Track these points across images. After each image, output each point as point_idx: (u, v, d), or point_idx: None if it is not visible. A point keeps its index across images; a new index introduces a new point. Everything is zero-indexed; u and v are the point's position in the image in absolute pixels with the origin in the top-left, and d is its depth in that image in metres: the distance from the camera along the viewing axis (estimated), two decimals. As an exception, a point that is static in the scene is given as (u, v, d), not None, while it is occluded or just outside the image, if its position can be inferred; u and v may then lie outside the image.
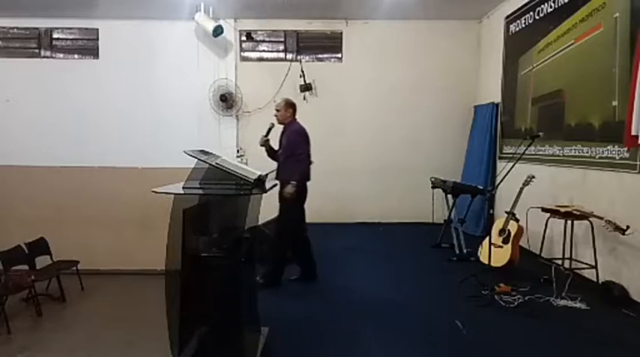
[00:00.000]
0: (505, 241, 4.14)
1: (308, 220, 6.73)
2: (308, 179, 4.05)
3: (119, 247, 5.58)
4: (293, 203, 3.91)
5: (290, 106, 4.11)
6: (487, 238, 3.99)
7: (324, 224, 6.52)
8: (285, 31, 6.90)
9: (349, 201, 6.82)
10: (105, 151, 6.62)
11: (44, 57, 6.85)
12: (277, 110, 4.09)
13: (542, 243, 4.20)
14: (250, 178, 2.29)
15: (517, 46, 5.62)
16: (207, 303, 2.48)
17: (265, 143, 4.03)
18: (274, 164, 4.04)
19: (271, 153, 4.12)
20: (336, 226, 6.46)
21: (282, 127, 4.13)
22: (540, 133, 4.02)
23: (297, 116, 4.16)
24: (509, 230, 4.15)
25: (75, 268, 4.82)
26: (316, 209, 6.69)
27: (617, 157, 3.74)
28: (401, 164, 6.80)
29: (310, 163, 4.07)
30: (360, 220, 6.73)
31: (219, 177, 2.34)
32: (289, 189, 3.81)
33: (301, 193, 3.97)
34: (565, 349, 2.85)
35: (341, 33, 6.87)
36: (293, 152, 3.93)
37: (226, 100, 6.69)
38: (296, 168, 3.90)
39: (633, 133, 3.40)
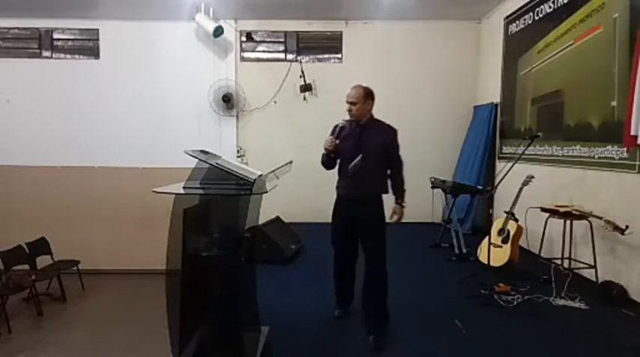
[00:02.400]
0: (504, 241, 4.15)
1: (310, 220, 6.75)
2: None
3: (120, 247, 5.59)
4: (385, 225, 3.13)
5: (370, 96, 3.15)
6: (486, 238, 4.00)
7: (325, 224, 6.53)
8: (285, 31, 6.90)
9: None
10: (105, 151, 6.63)
11: (45, 57, 6.85)
12: (352, 103, 3.09)
13: (542, 243, 4.21)
14: (250, 178, 2.30)
15: (516, 46, 5.63)
16: (207, 303, 2.49)
17: (336, 148, 3.10)
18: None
19: (332, 159, 3.22)
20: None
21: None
22: (540, 133, 4.03)
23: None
24: (508, 230, 4.16)
25: (75, 267, 4.83)
26: (317, 209, 6.74)
27: (617, 157, 3.75)
28: (401, 164, 6.80)
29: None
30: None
31: (219, 177, 2.35)
32: (400, 212, 3.16)
33: None
34: (564, 348, 2.86)
35: (341, 33, 6.88)
36: (397, 160, 3.25)
37: (229, 101, 6.70)
38: (402, 181, 3.21)
39: (632, 133, 3.41)
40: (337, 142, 3.07)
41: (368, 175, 3.04)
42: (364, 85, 3.18)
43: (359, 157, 3.03)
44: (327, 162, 3.23)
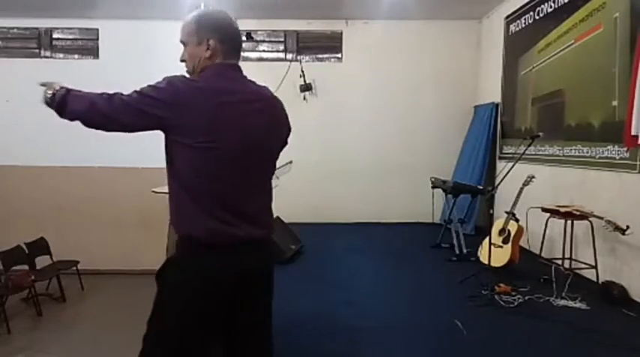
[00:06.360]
0: (505, 241, 4.14)
1: (310, 220, 6.74)
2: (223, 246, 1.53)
3: (119, 247, 5.58)
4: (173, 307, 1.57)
5: (203, 29, 1.67)
6: (487, 238, 3.99)
7: (324, 224, 6.53)
8: (285, 31, 6.90)
9: (349, 201, 6.82)
10: (105, 151, 6.61)
11: (44, 57, 6.85)
12: (182, 43, 1.77)
13: (542, 243, 4.20)
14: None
15: (517, 45, 5.63)
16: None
17: None
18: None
19: None
20: (336, 226, 6.46)
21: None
22: (540, 133, 4.02)
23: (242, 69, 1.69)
24: (509, 230, 4.15)
25: (75, 268, 4.83)
26: (316, 209, 6.75)
27: (617, 157, 3.74)
28: (401, 164, 6.80)
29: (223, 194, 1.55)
30: (360, 220, 6.73)
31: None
32: None
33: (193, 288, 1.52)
34: (565, 349, 2.85)
35: (341, 33, 6.87)
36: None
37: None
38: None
39: (633, 133, 3.40)
40: None
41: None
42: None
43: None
44: None
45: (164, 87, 1.57)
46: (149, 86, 1.60)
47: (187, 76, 1.70)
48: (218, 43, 1.62)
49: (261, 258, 1.61)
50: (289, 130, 1.80)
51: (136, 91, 1.60)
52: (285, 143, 1.80)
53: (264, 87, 1.70)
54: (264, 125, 1.61)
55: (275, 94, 1.74)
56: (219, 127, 1.50)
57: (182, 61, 1.76)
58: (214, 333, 1.58)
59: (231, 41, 1.64)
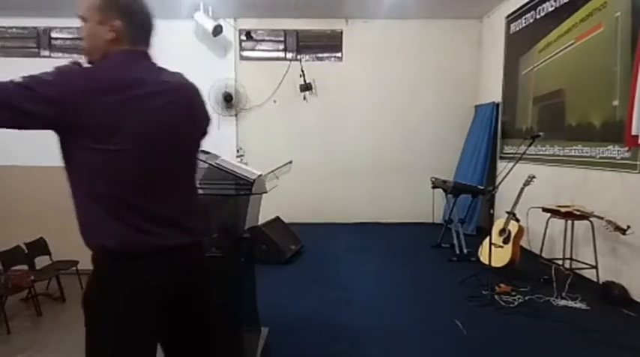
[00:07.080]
0: (505, 241, 4.13)
1: (310, 220, 6.75)
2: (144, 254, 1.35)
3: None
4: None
5: (110, 6, 1.37)
6: (487, 238, 3.98)
7: (324, 224, 6.53)
8: (284, 30, 6.89)
9: (349, 201, 6.82)
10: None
11: (43, 56, 6.84)
12: (82, 18, 1.43)
13: (543, 243, 4.20)
14: (250, 178, 2.29)
15: (518, 45, 5.62)
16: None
17: None
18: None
19: None
20: (336, 226, 6.46)
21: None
22: (541, 133, 4.02)
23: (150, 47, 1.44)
24: (509, 230, 4.14)
25: (74, 268, 4.81)
26: (316, 209, 6.75)
27: (618, 157, 3.73)
28: (401, 164, 6.79)
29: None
30: (360, 220, 6.73)
31: (218, 177, 2.34)
32: None
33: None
34: (565, 349, 2.85)
35: (341, 32, 6.86)
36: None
37: (231, 100, 6.67)
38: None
39: (634, 132, 3.40)
40: None
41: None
42: None
43: None
44: None
45: (54, 80, 1.26)
46: (34, 77, 1.27)
47: (84, 58, 1.42)
48: (124, 25, 1.35)
49: (184, 265, 1.41)
50: (208, 120, 1.62)
51: (14, 82, 1.28)
52: (205, 134, 1.59)
53: (178, 74, 1.47)
54: (181, 118, 1.41)
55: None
56: (128, 126, 1.27)
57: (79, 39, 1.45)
58: (153, 347, 1.45)
59: (140, 25, 1.40)
